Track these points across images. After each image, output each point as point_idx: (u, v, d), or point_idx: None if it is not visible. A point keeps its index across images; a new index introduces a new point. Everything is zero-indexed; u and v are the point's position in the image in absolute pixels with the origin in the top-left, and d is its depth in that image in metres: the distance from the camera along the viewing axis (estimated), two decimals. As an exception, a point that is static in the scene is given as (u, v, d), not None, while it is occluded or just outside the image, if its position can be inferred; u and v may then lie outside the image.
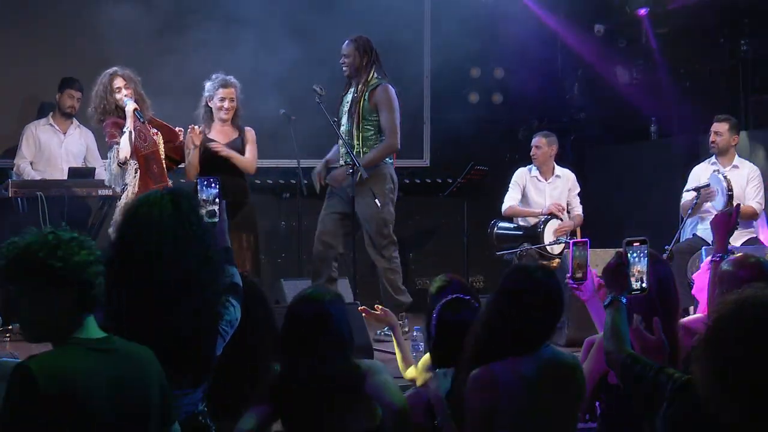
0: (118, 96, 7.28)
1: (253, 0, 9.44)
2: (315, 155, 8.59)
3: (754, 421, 2.62)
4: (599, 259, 5.58)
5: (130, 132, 7.19)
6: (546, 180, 9.05)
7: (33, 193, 7.86)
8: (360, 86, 7.99)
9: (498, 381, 3.68)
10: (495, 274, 8.27)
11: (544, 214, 8.78)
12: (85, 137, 8.85)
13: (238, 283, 3.71)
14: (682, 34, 10.48)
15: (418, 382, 4.39)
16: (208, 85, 7.61)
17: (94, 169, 8.49)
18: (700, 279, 4.20)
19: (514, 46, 10.63)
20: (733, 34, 10.20)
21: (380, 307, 5.17)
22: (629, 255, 3.65)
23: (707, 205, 8.42)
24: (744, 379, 2.62)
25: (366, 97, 7.98)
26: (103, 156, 8.03)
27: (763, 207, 8.56)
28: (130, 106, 7.23)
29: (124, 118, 7.26)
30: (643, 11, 10.44)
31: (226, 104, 7.58)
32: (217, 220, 3.77)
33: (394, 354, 7.06)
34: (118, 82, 7.29)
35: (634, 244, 3.67)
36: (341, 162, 8.04)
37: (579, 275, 4.05)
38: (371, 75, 8.01)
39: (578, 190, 9.12)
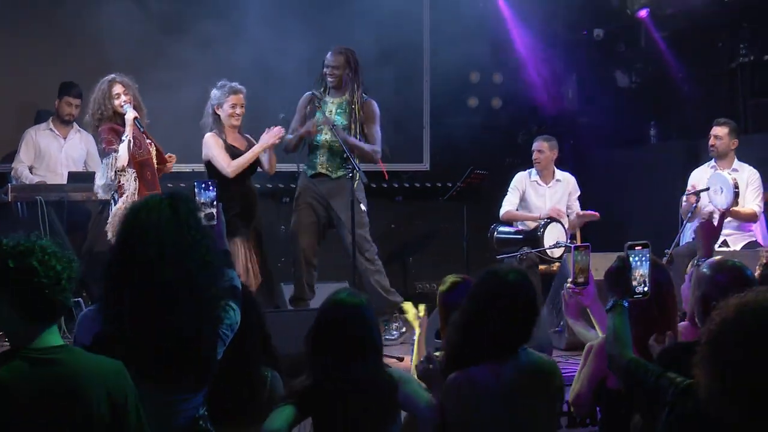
0: (116, 102, 7.26)
1: (251, 5, 9.44)
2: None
3: (754, 422, 2.63)
4: (600, 263, 5.57)
5: (129, 141, 7.19)
6: (546, 184, 9.04)
7: (32, 198, 7.87)
8: (353, 98, 8.03)
9: (474, 385, 3.68)
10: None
11: (543, 218, 8.78)
12: (86, 142, 8.86)
13: (237, 286, 3.69)
14: (681, 37, 10.49)
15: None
16: (216, 92, 7.60)
17: (94, 173, 8.48)
18: (686, 291, 4.20)
19: (513, 51, 10.63)
20: (732, 37, 10.21)
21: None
22: (631, 259, 3.66)
23: (709, 206, 8.42)
24: (744, 382, 2.63)
25: (361, 108, 8.03)
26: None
27: (762, 210, 8.57)
28: (130, 114, 7.21)
29: (122, 124, 7.24)
30: (644, 12, 10.44)
31: (237, 110, 7.60)
32: (215, 222, 3.77)
33: (395, 358, 7.09)
34: (118, 89, 7.28)
35: (636, 247, 3.68)
36: (321, 170, 8.02)
37: (581, 280, 4.05)
38: (360, 88, 8.07)
39: (578, 193, 9.11)
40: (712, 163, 8.69)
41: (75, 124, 8.83)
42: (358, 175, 7.77)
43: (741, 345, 2.65)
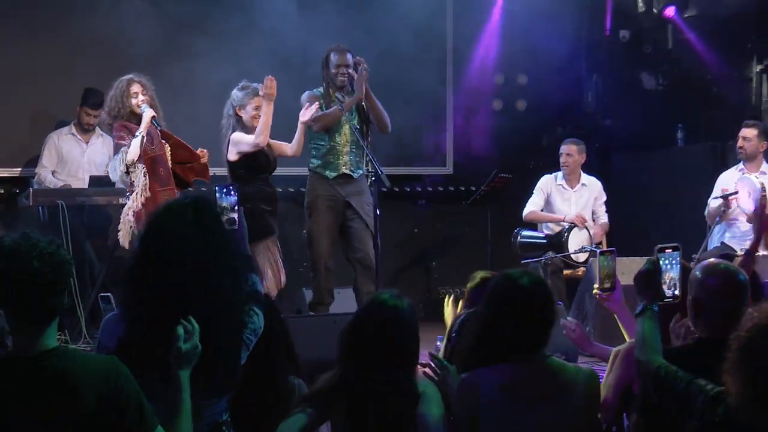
0: (134, 101, 7.29)
1: (267, 5, 9.46)
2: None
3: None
4: (626, 268, 5.56)
5: (143, 137, 7.20)
6: (572, 188, 9.02)
7: (54, 202, 7.90)
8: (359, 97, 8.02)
9: (479, 387, 3.65)
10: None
11: (567, 222, 8.75)
12: (108, 146, 8.85)
13: (259, 291, 3.70)
14: (709, 38, 10.44)
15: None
16: (238, 93, 7.59)
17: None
18: None
19: (538, 53, 10.60)
20: (761, 38, 10.16)
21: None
22: (661, 262, 3.63)
23: (736, 210, 8.38)
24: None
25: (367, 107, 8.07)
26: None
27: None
28: (148, 113, 7.24)
29: (137, 123, 7.26)
30: (670, 10, 10.39)
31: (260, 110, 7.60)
32: (236, 227, 3.77)
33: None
34: (136, 88, 7.31)
35: (666, 250, 3.65)
36: (344, 170, 8.00)
37: (607, 285, 4.03)
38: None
39: (604, 198, 9.10)
40: (740, 165, 8.63)
41: (98, 129, 8.87)
42: (382, 178, 7.73)
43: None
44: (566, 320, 4.20)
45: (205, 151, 7.59)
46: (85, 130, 8.89)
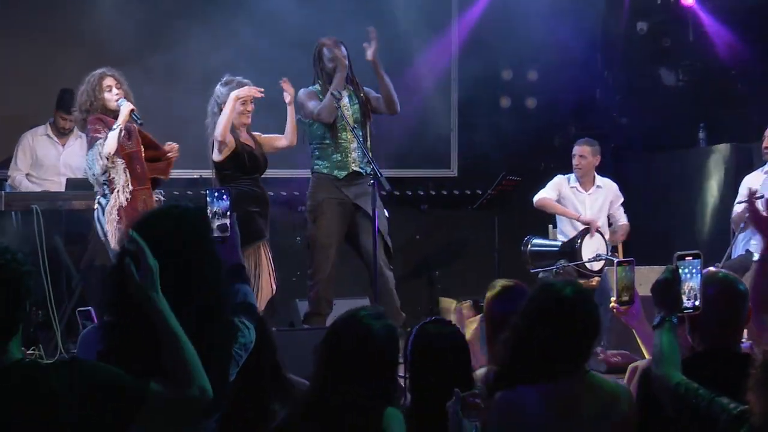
0: (107, 95, 7.30)
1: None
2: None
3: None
4: (644, 278, 5.55)
5: (120, 129, 7.20)
6: (586, 191, 9.01)
7: (28, 207, 7.87)
8: (358, 87, 8.11)
9: (525, 405, 3.65)
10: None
11: (582, 221, 8.75)
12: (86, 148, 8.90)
13: (252, 303, 3.71)
14: (732, 31, 10.45)
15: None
16: (221, 89, 7.61)
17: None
18: None
19: (549, 46, 10.61)
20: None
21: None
22: (681, 270, 3.63)
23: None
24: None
25: (367, 97, 8.13)
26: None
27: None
28: (126, 106, 7.24)
29: (113, 118, 7.27)
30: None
31: (248, 107, 7.63)
32: (228, 234, 3.76)
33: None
34: (109, 81, 7.32)
35: (686, 258, 3.65)
36: (355, 168, 8.02)
37: (625, 298, 4.02)
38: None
39: (622, 200, 9.09)
40: (767, 167, 8.64)
41: (76, 130, 8.84)
42: (381, 181, 7.76)
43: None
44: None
45: (175, 145, 7.55)
46: (60, 131, 8.90)
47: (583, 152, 9.00)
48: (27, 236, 7.64)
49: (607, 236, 8.82)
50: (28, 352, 7.48)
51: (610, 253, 8.63)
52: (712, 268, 3.84)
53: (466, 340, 4.05)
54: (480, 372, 4.34)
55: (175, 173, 9.20)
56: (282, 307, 8.60)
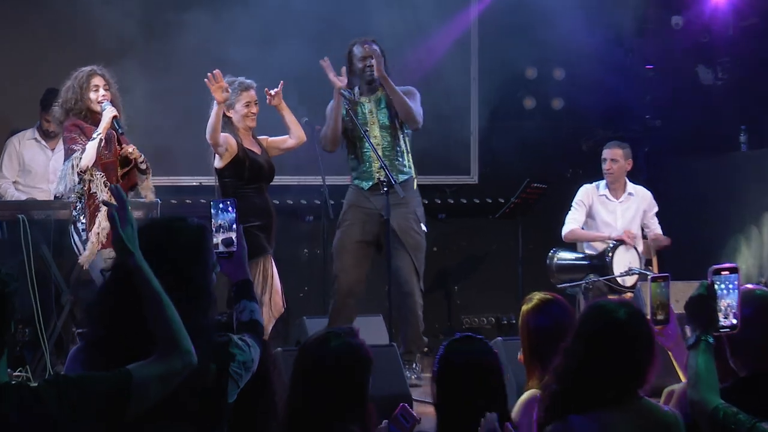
0: (93, 96, 7.31)
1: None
2: (343, 171, 8.63)
3: None
4: (680, 294, 5.52)
5: (101, 140, 7.20)
6: (617, 199, 9.00)
7: (14, 216, 7.85)
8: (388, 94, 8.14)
9: None
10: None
11: (614, 239, 8.74)
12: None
13: (257, 320, 3.77)
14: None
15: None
16: None
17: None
18: None
19: (577, 42, 10.60)
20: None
21: None
22: (716, 285, 3.63)
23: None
24: None
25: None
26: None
27: None
28: (109, 112, 7.24)
29: (93, 123, 7.27)
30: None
31: (253, 109, 7.63)
32: (234, 248, 3.82)
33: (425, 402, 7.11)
34: (97, 81, 7.33)
35: (723, 272, 3.65)
36: (373, 180, 8.12)
37: (660, 317, 4.00)
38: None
39: (656, 209, 9.07)
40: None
41: (65, 132, 8.89)
42: (396, 189, 7.82)
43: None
44: None
45: (130, 148, 7.47)
46: (48, 134, 8.91)
47: (615, 155, 8.97)
48: (13, 248, 7.66)
49: (640, 248, 8.81)
50: (14, 374, 7.49)
51: (643, 267, 8.61)
52: (749, 285, 3.82)
53: (498, 359, 4.05)
54: (525, 396, 4.36)
55: (173, 180, 9.29)
56: (289, 325, 8.61)
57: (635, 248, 8.73)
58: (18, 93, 9.22)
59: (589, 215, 9.01)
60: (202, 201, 9.11)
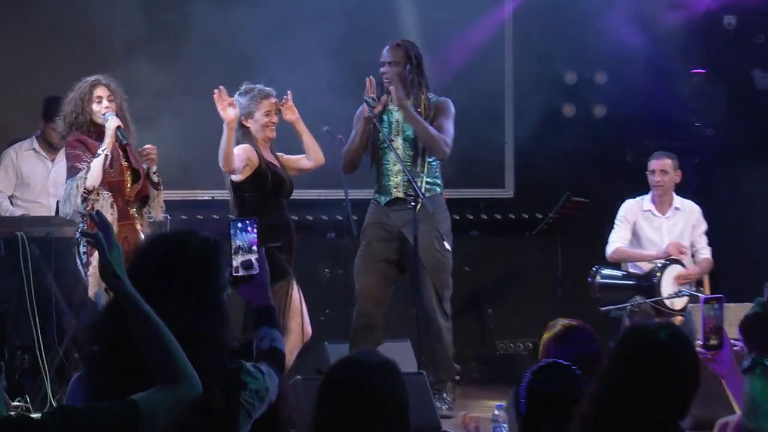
0: (96, 107, 7.32)
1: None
2: (366, 184, 8.62)
3: None
4: (734, 316, 5.50)
5: (106, 155, 7.23)
6: (663, 214, 9.00)
7: (12, 233, 7.89)
8: (420, 100, 8.17)
9: None
10: (599, 335, 8.23)
11: (661, 258, 8.71)
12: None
13: (278, 348, 3.81)
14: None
15: None
16: (241, 99, 7.62)
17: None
18: None
19: (620, 44, 10.58)
20: None
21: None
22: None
23: None
24: None
25: (433, 109, 8.15)
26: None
27: None
28: (112, 122, 7.26)
29: (97, 138, 7.30)
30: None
31: (273, 118, 7.65)
32: (255, 271, 3.84)
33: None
34: (101, 92, 7.35)
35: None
36: (398, 194, 8.10)
37: (713, 342, 3.99)
38: (427, 87, 8.23)
39: (705, 227, 9.07)
40: None
41: (66, 143, 8.91)
42: (421, 203, 7.81)
43: None
44: None
45: (151, 148, 7.50)
46: (52, 145, 8.92)
47: (665, 166, 8.98)
48: (11, 268, 7.69)
49: (688, 269, 8.77)
50: (13, 403, 7.50)
51: (694, 288, 8.59)
52: None
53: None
54: None
55: (184, 194, 9.30)
56: (308, 350, 8.59)
57: (684, 266, 8.70)
58: (16, 99, 9.27)
59: (633, 233, 9.05)
60: (215, 217, 9.12)
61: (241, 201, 7.62)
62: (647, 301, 8.56)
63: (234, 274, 3.77)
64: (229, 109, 7.32)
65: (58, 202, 8.46)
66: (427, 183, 8.21)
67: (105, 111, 7.30)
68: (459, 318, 10.64)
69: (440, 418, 7.24)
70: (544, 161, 10.59)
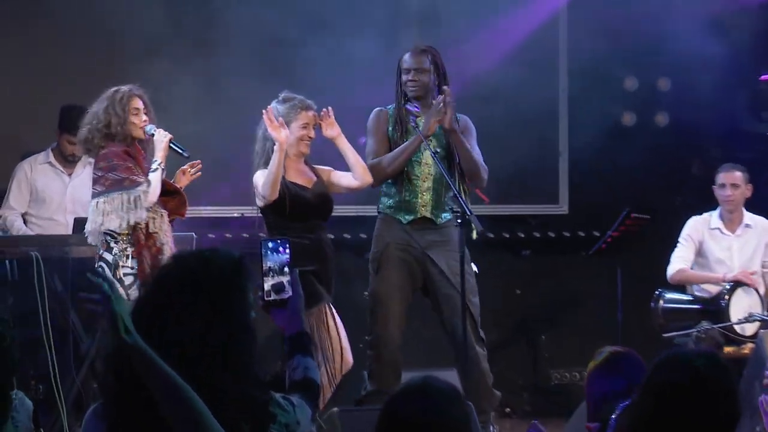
0: (135, 120, 7.34)
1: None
2: (367, 200, 8.61)
3: None
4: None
5: (163, 169, 7.30)
6: (732, 232, 8.98)
7: (26, 254, 7.91)
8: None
9: None
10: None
11: (729, 281, 8.65)
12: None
13: (312, 379, 3.85)
14: None
15: None
16: (278, 107, 7.63)
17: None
18: None
19: (685, 46, 10.54)
20: None
21: None
22: None
23: None
24: None
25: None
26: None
27: None
28: (162, 134, 7.32)
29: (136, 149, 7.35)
30: None
31: (311, 132, 7.66)
32: (287, 295, 3.88)
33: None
34: (137, 103, 7.37)
35: None
36: (425, 213, 8.03)
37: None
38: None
39: (779, 245, 9.02)
40: None
41: (85, 157, 8.89)
42: (471, 221, 7.72)
43: None
44: None
45: (197, 165, 7.63)
46: (67, 159, 8.98)
47: (735, 180, 8.96)
48: (24, 291, 7.71)
49: (762, 290, 8.76)
50: (27, 439, 7.51)
51: (766, 313, 8.55)
52: None
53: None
54: None
55: (211, 211, 9.31)
56: (345, 380, 8.55)
57: (756, 290, 8.65)
58: (29, 108, 9.32)
59: (699, 253, 9.05)
60: (245, 235, 9.11)
61: (268, 224, 7.67)
62: (715, 327, 8.51)
63: (265, 298, 3.81)
64: (282, 131, 7.32)
65: (75, 220, 8.52)
66: (452, 205, 8.09)
67: (143, 124, 7.35)
68: (509, 345, 10.65)
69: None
70: (602, 174, 10.59)
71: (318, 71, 9.16)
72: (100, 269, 6.98)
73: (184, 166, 7.60)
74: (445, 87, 7.94)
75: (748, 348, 8.41)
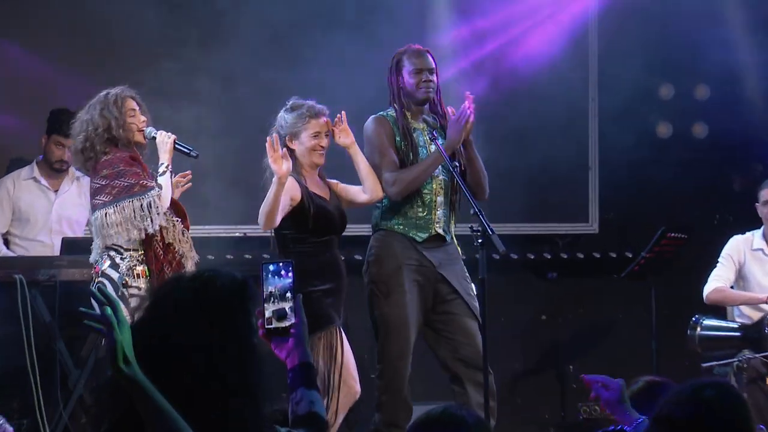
0: (133, 121, 7.36)
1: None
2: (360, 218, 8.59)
3: None
4: None
5: (171, 171, 7.35)
6: (776, 254, 8.94)
7: (9, 277, 7.94)
8: (446, 114, 8.08)
9: None
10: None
11: (768, 302, 8.69)
12: (88, 194, 8.90)
13: (318, 413, 3.84)
14: None
15: None
16: (287, 117, 7.60)
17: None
18: None
19: (724, 52, 10.50)
20: None
21: None
22: None
23: None
24: None
25: None
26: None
27: None
28: (164, 137, 7.36)
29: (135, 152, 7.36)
30: None
31: (323, 141, 7.61)
32: (289, 322, 3.86)
33: None
34: (132, 104, 7.39)
35: None
36: (438, 230, 7.98)
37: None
38: None
39: (825, 269, 8.97)
40: None
41: (72, 169, 8.90)
42: (493, 240, 7.66)
43: None
44: None
45: (187, 175, 7.66)
46: (55, 170, 8.98)
47: (778, 197, 8.90)
48: (7, 317, 7.73)
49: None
50: (11, 479, 7.50)
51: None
52: None
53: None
54: None
55: (211, 230, 9.28)
56: (356, 409, 8.53)
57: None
58: (21, 116, 9.36)
59: (740, 275, 9.03)
60: (247, 257, 9.10)
61: (281, 238, 7.59)
62: (757, 356, 8.47)
63: (266, 326, 3.79)
64: (283, 162, 7.23)
65: (63, 240, 8.50)
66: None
67: (143, 125, 7.39)
68: (535, 376, 10.63)
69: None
70: (635, 190, 10.57)
71: (327, 72, 9.17)
72: (102, 286, 6.91)
73: (175, 177, 7.55)
74: (468, 93, 7.90)
75: (792, 380, 8.41)
